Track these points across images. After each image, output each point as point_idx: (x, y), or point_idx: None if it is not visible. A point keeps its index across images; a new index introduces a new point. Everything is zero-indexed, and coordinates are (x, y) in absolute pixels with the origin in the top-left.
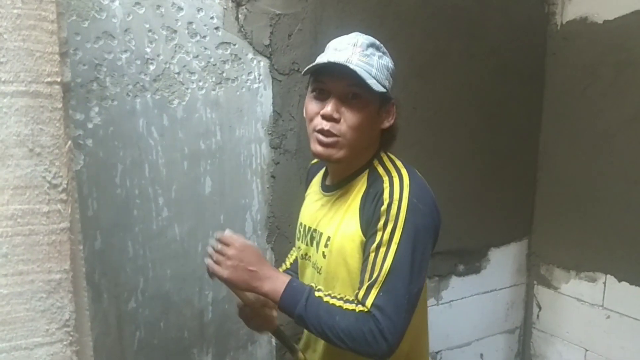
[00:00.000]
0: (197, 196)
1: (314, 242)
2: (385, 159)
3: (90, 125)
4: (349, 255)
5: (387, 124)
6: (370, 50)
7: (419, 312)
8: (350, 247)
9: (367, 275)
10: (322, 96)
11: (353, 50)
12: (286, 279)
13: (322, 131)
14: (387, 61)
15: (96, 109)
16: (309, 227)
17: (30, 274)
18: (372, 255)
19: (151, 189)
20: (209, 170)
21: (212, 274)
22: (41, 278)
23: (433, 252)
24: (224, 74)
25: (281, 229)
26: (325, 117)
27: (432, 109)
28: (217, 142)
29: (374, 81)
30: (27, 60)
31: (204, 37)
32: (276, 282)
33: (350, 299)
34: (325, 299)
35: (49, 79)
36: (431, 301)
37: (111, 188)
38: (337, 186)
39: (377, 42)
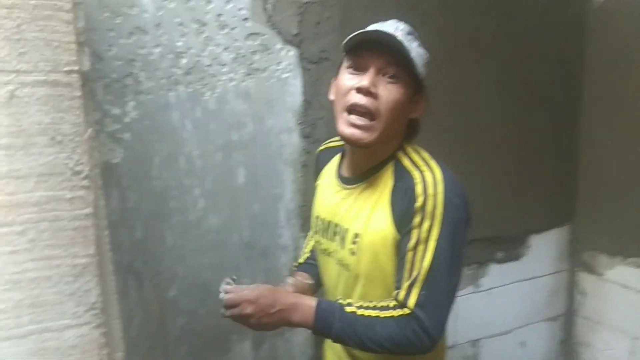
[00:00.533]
0: (232, 187)
1: (337, 238)
2: (410, 151)
3: (127, 120)
4: (381, 253)
5: (416, 114)
6: (410, 37)
7: None
8: (382, 244)
9: (406, 274)
10: (358, 71)
11: (395, 32)
12: (312, 302)
13: (355, 108)
14: (423, 51)
15: (132, 104)
16: (329, 221)
17: (56, 259)
18: (411, 254)
19: (187, 181)
20: (242, 161)
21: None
22: (67, 262)
23: (468, 240)
24: (254, 65)
25: None
26: (362, 91)
27: (467, 93)
28: (249, 133)
29: (415, 63)
30: (45, 50)
31: (233, 28)
32: (303, 309)
33: (384, 305)
34: (359, 312)
35: (67, 68)
36: (469, 289)
37: (149, 180)
38: (359, 179)
39: (415, 32)
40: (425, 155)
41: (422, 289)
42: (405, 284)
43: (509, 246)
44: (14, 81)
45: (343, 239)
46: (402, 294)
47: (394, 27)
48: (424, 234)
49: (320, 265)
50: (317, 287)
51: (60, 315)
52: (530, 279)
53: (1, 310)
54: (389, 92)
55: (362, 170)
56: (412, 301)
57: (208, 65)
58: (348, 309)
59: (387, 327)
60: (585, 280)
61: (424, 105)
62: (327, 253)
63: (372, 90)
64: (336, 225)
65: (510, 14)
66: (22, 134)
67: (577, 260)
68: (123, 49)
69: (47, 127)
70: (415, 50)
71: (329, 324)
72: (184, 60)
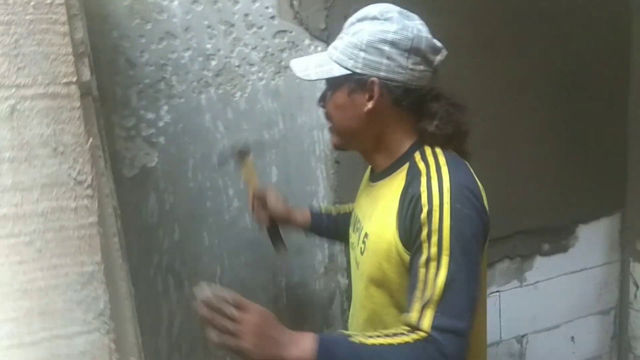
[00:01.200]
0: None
1: (357, 234)
2: (428, 152)
3: (161, 124)
4: (383, 259)
5: (370, 105)
6: (357, 25)
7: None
8: (385, 249)
9: (418, 294)
10: None
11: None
12: (311, 336)
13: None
14: (373, 32)
15: (165, 108)
16: (357, 215)
17: (64, 267)
18: (422, 271)
19: (221, 181)
20: (274, 159)
21: (221, 345)
22: (74, 271)
23: (512, 233)
24: (283, 63)
25: None
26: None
27: (505, 78)
28: (280, 132)
29: (327, 68)
30: (43, 63)
31: (261, 27)
32: (303, 342)
33: (395, 332)
34: (369, 341)
35: (65, 80)
36: (514, 283)
37: (184, 182)
38: (380, 176)
39: (382, 11)
40: (442, 158)
41: (438, 310)
42: (418, 306)
43: (556, 237)
44: (15, 95)
45: (359, 236)
46: (414, 317)
47: (350, 21)
48: (433, 250)
49: (350, 260)
50: (309, 230)
51: (69, 322)
52: (579, 271)
53: (13, 318)
54: (330, 97)
55: (381, 168)
56: (426, 324)
57: (237, 66)
58: (353, 339)
59: (400, 354)
60: (639, 270)
61: (378, 92)
62: (352, 247)
63: (320, 104)
64: (358, 221)
65: None
66: (25, 147)
67: (629, 250)
68: (155, 54)
69: (48, 139)
70: (347, 42)
71: (332, 355)
72: (213, 62)
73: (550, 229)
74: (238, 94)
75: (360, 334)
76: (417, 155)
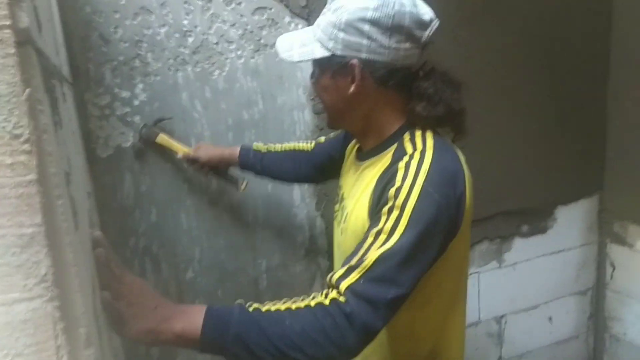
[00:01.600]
0: None
1: (341, 212)
2: (418, 134)
3: (136, 102)
4: (360, 239)
5: (352, 89)
6: (338, 1)
7: (452, 298)
8: (361, 228)
9: (353, 258)
10: None
11: (293, 36)
12: (200, 308)
13: None
14: (352, 10)
15: (141, 86)
16: (343, 192)
17: (1, 228)
18: (369, 240)
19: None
20: (253, 139)
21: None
22: (12, 232)
23: (493, 214)
24: (262, 41)
25: (329, 195)
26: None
27: (487, 59)
28: (260, 111)
29: (310, 48)
30: None
31: (240, 3)
32: (190, 314)
33: (303, 298)
34: (265, 308)
35: None
36: (493, 264)
37: (161, 163)
38: (366, 155)
39: None
40: (430, 142)
41: (363, 276)
42: (346, 267)
43: (535, 219)
44: None
45: (342, 215)
46: (337, 275)
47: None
48: (389, 224)
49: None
50: (239, 166)
51: (8, 288)
52: (557, 252)
53: None
54: (317, 76)
55: (368, 147)
56: (345, 284)
57: (215, 43)
58: (251, 307)
59: (300, 318)
60: (616, 252)
61: (359, 74)
62: (336, 221)
63: (311, 80)
64: (344, 199)
65: None
66: None
67: (606, 231)
68: (129, 30)
69: None
70: (327, 21)
71: (224, 322)
72: (190, 39)
73: (529, 210)
74: (216, 73)
75: (266, 303)
76: (407, 137)
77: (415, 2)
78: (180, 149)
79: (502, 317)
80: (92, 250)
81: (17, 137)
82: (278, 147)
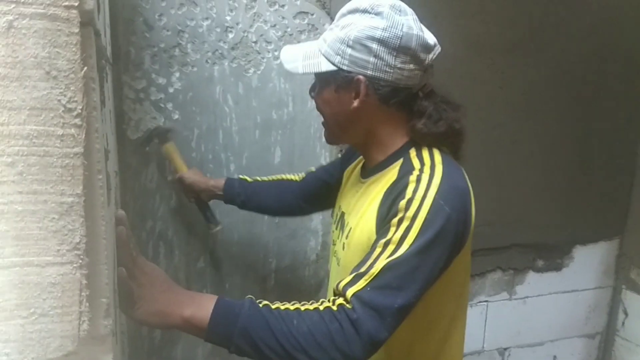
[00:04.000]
0: (267, 165)
1: (340, 230)
2: (425, 150)
3: (171, 90)
4: (364, 254)
5: (356, 104)
6: (347, 18)
7: (453, 314)
8: (366, 242)
9: (361, 267)
10: None
11: (298, 50)
12: (211, 296)
13: None
14: (361, 28)
15: (177, 74)
16: (342, 212)
17: (43, 194)
18: (378, 250)
19: (224, 155)
20: (279, 140)
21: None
22: (54, 199)
23: (508, 244)
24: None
25: None
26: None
27: (520, 89)
28: (289, 113)
29: (315, 61)
30: None
31: (283, 6)
32: (202, 301)
33: (312, 302)
34: (274, 306)
35: (66, 3)
36: (503, 295)
37: (187, 151)
38: (370, 172)
39: (373, 4)
40: (438, 157)
41: (370, 284)
42: (353, 275)
43: (551, 255)
44: (14, 11)
45: (343, 232)
46: (343, 282)
47: (341, 12)
48: (398, 235)
49: (329, 262)
50: (223, 198)
51: (43, 251)
52: (570, 291)
53: None
54: (317, 88)
55: (373, 163)
56: (352, 291)
57: (254, 42)
58: (262, 303)
59: (307, 319)
60: (630, 298)
61: (364, 91)
62: (333, 243)
63: (311, 95)
64: (344, 216)
65: (574, 9)
66: (18, 66)
67: (623, 277)
68: (173, 19)
69: (42, 61)
70: (335, 36)
71: (233, 315)
72: (230, 35)
73: (547, 245)
74: (251, 70)
75: (276, 303)
76: (413, 152)
77: (421, 27)
78: (180, 166)
79: (506, 349)
80: (114, 227)
81: (70, 110)
82: (265, 178)
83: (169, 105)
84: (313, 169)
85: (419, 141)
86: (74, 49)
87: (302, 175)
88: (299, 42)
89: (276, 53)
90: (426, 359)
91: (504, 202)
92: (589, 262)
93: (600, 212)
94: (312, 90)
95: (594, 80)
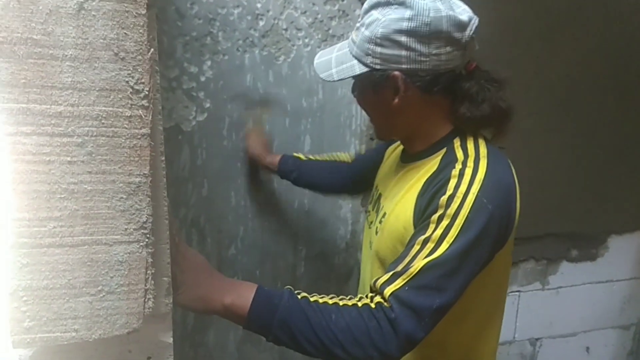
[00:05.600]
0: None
1: (376, 213)
2: (470, 140)
3: (202, 79)
4: (398, 242)
5: (396, 100)
6: (371, 14)
7: (489, 306)
8: (401, 231)
9: (399, 265)
10: None
11: (330, 54)
12: (252, 285)
13: None
14: (386, 23)
15: (209, 63)
16: (380, 194)
17: (112, 174)
18: (416, 248)
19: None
20: (309, 128)
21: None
22: (122, 179)
23: (542, 234)
24: (330, 31)
25: None
26: None
27: (557, 76)
28: (319, 101)
29: (349, 65)
30: None
31: None
32: (242, 289)
33: (350, 297)
34: (313, 299)
35: None
36: (536, 285)
37: (219, 140)
38: (412, 158)
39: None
40: (483, 149)
41: (408, 284)
42: (391, 273)
43: (586, 245)
44: None
45: (377, 216)
46: (381, 280)
47: (362, 10)
48: (438, 232)
49: (363, 240)
50: (277, 172)
51: (111, 230)
52: (605, 282)
53: (57, 217)
54: (357, 89)
55: (414, 150)
56: (390, 290)
57: (284, 29)
58: (300, 294)
59: (346, 314)
60: None
61: (402, 86)
62: (369, 225)
63: (354, 95)
64: (380, 199)
65: None
66: (88, 47)
67: None
68: (204, 7)
69: (111, 43)
70: (362, 36)
71: (273, 305)
72: (261, 23)
73: (581, 235)
74: (282, 58)
75: (314, 295)
76: (457, 142)
77: (451, 4)
78: (259, 129)
79: (537, 339)
80: None
81: (137, 92)
82: (318, 157)
83: (201, 94)
84: (363, 150)
85: (463, 127)
86: (141, 31)
87: (352, 156)
88: (329, 28)
89: (306, 40)
90: (460, 350)
91: (539, 191)
92: (624, 252)
93: (637, 201)
94: (353, 90)
95: (633, 65)
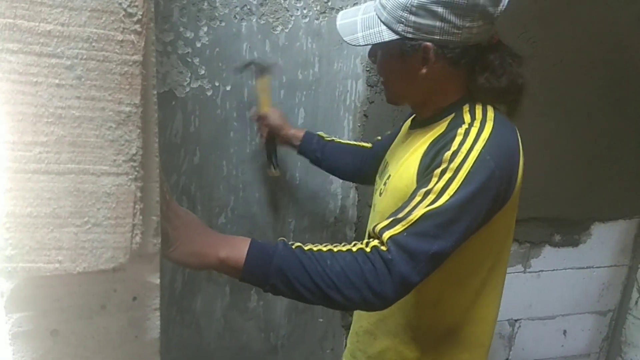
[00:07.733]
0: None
1: (381, 178)
2: (478, 106)
3: (198, 45)
4: (400, 199)
5: (424, 70)
6: None
7: (490, 281)
8: (404, 189)
9: (400, 213)
10: None
11: (355, 16)
12: (245, 239)
13: None
14: None
15: (205, 29)
16: (386, 161)
17: (101, 101)
18: (417, 199)
19: (248, 114)
20: (303, 101)
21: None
22: (111, 107)
23: (526, 217)
24: (329, 3)
25: None
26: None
27: (552, 60)
28: (315, 74)
29: (376, 30)
30: None
31: None
32: (235, 243)
33: (345, 243)
34: (307, 247)
35: None
36: (517, 267)
37: (212, 108)
38: (420, 123)
39: None
40: (491, 114)
41: (407, 230)
42: (391, 219)
43: (569, 230)
44: None
45: (382, 179)
46: (382, 224)
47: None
48: (440, 185)
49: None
50: (298, 149)
51: (99, 159)
52: (585, 268)
53: (43, 142)
54: (379, 55)
55: (424, 116)
56: (389, 234)
57: None
58: (294, 245)
59: (341, 259)
60: None
61: (433, 57)
62: (374, 192)
63: (371, 58)
64: (387, 165)
65: None
66: None
67: (639, 256)
68: None
69: None
70: (394, 2)
71: (267, 255)
72: None
73: (565, 221)
74: (279, 28)
75: (307, 244)
76: (466, 108)
77: None
78: (265, 104)
79: (516, 320)
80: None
81: (130, 15)
82: (342, 141)
83: (196, 60)
84: (379, 137)
85: (479, 96)
86: None
87: (371, 144)
88: (328, 1)
89: (305, 11)
90: (455, 311)
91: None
92: (606, 239)
93: (622, 190)
94: (371, 55)
95: (629, 50)
